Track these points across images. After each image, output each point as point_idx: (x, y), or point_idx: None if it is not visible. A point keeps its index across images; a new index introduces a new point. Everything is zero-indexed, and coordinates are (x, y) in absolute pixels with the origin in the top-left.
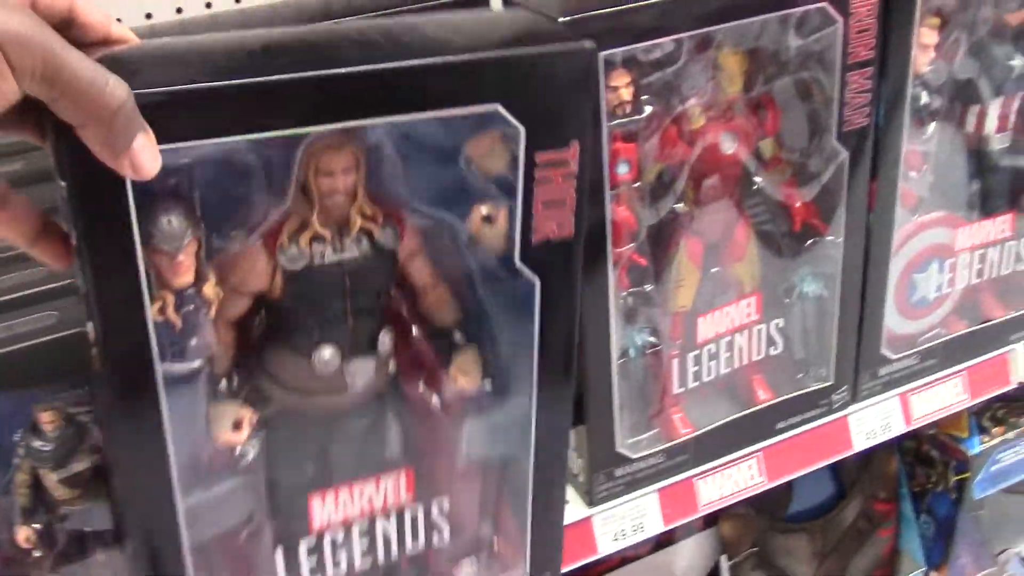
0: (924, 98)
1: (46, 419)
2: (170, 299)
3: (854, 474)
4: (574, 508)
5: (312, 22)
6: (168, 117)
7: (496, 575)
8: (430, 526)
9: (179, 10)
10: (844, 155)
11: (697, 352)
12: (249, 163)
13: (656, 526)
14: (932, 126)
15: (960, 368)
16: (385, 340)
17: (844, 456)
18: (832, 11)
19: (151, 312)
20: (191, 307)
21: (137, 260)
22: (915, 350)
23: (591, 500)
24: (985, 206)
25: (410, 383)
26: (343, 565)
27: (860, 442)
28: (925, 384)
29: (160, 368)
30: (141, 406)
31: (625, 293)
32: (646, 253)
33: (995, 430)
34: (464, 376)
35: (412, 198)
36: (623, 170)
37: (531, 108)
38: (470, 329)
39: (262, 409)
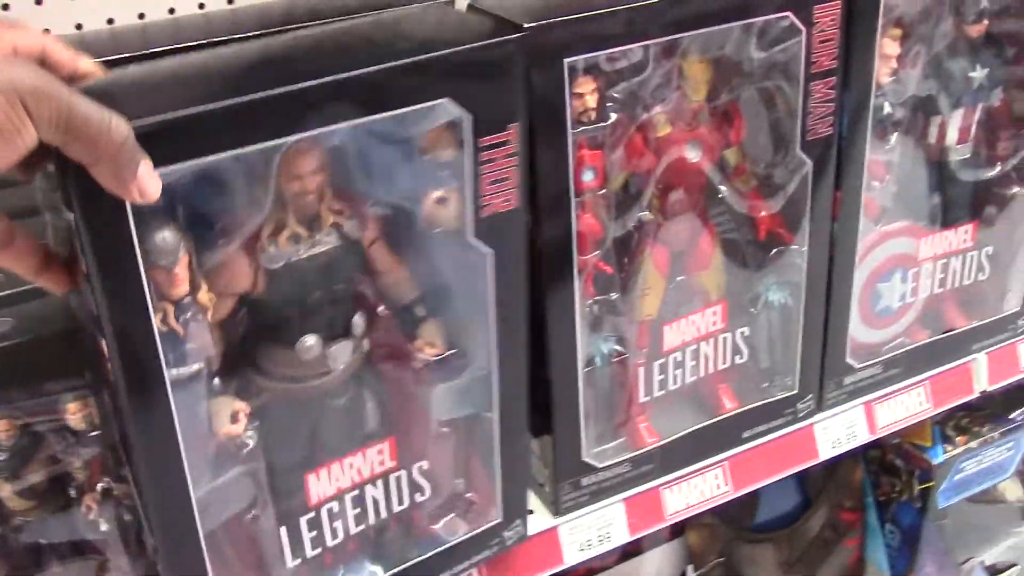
0: (887, 108)
1: (0, 428)
2: (170, 309)
3: (820, 483)
4: (540, 518)
5: (296, 21)
6: (157, 143)
7: (473, 525)
8: (413, 487)
9: (171, 10)
10: (808, 165)
11: (663, 360)
12: (228, 176)
13: (622, 536)
14: (894, 136)
15: (923, 377)
16: (359, 322)
17: (810, 465)
18: (796, 21)
19: (156, 323)
20: (188, 314)
21: (141, 278)
22: (879, 359)
23: (557, 510)
24: (947, 216)
25: (383, 359)
26: (340, 533)
27: (826, 451)
28: (889, 393)
29: (168, 375)
30: (155, 411)
31: (591, 301)
32: (612, 261)
33: (958, 439)
34: (430, 347)
35: (372, 190)
36: (588, 177)
37: (473, 98)
38: (431, 303)
39: (253, 401)
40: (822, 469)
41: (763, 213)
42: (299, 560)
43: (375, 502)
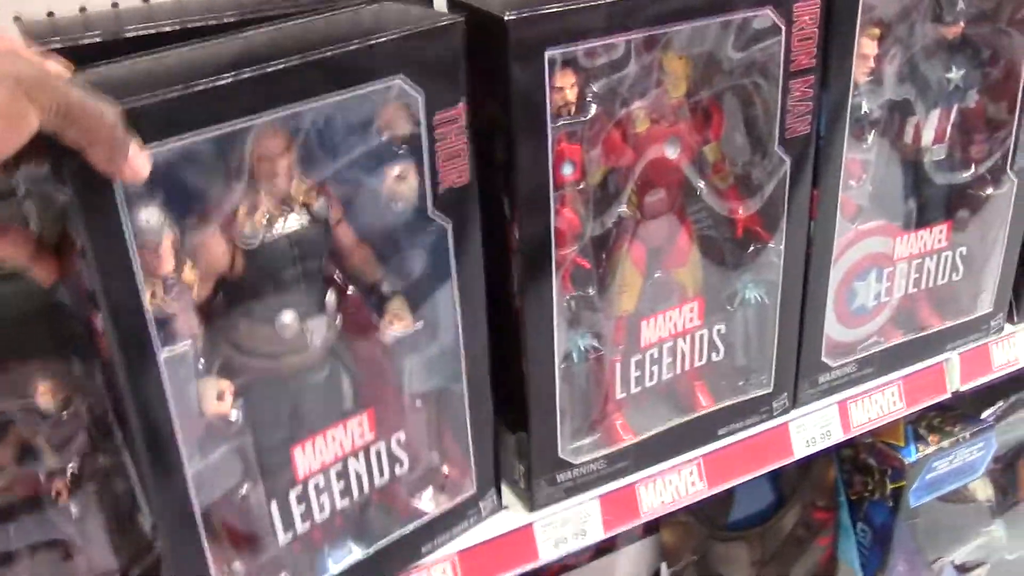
0: (864, 108)
1: None
2: (159, 286)
3: (793, 482)
4: (515, 514)
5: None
6: (139, 124)
7: (450, 497)
8: (392, 459)
9: (115, 4)
10: (786, 163)
11: (640, 357)
12: (203, 159)
13: (597, 533)
14: (872, 136)
15: (897, 377)
16: (331, 298)
17: (785, 463)
18: (775, 18)
19: (147, 300)
20: (175, 292)
21: (132, 256)
22: (854, 358)
23: (532, 505)
24: (922, 216)
25: (355, 334)
26: (327, 508)
27: (800, 449)
28: (863, 392)
29: (161, 352)
30: (149, 387)
31: (568, 297)
32: (589, 257)
33: (931, 438)
34: (398, 321)
35: (335, 169)
36: (568, 171)
37: (426, 76)
38: (396, 278)
39: (236, 379)
40: (796, 468)
41: (740, 211)
42: (291, 535)
43: (358, 476)
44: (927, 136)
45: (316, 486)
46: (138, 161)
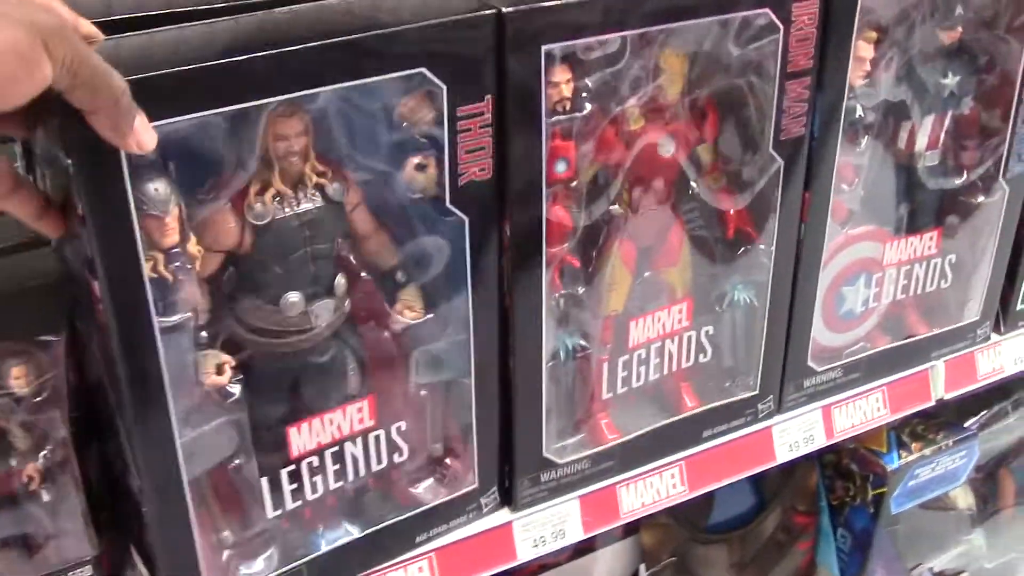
0: (859, 111)
1: None
2: (160, 257)
3: (775, 486)
4: (494, 513)
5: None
6: (150, 97)
7: (449, 491)
8: (391, 447)
9: None
10: (779, 163)
11: (627, 357)
12: (218, 134)
13: (576, 533)
14: (865, 140)
15: (882, 383)
16: (341, 282)
17: (767, 468)
18: (774, 18)
19: (146, 269)
20: (178, 263)
21: (133, 224)
22: (840, 363)
23: (515, 506)
24: (913, 222)
25: (363, 319)
26: (320, 488)
27: (783, 453)
28: (848, 398)
29: (156, 321)
30: (143, 354)
31: (558, 295)
32: (579, 255)
33: (914, 446)
34: (409, 310)
35: (354, 155)
36: (561, 168)
37: (450, 69)
38: (410, 267)
39: (238, 354)
40: (778, 471)
41: (732, 210)
42: (279, 512)
43: (354, 459)
44: (921, 142)
45: (310, 465)
46: (144, 133)
